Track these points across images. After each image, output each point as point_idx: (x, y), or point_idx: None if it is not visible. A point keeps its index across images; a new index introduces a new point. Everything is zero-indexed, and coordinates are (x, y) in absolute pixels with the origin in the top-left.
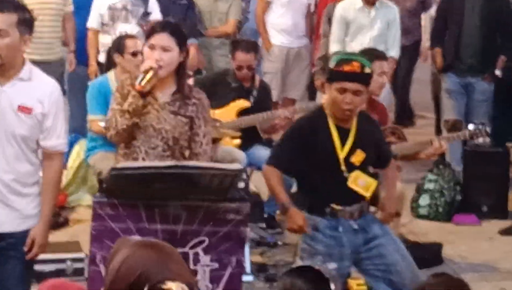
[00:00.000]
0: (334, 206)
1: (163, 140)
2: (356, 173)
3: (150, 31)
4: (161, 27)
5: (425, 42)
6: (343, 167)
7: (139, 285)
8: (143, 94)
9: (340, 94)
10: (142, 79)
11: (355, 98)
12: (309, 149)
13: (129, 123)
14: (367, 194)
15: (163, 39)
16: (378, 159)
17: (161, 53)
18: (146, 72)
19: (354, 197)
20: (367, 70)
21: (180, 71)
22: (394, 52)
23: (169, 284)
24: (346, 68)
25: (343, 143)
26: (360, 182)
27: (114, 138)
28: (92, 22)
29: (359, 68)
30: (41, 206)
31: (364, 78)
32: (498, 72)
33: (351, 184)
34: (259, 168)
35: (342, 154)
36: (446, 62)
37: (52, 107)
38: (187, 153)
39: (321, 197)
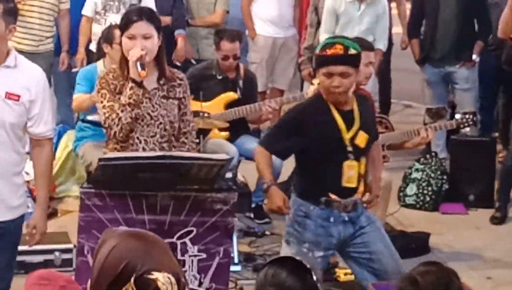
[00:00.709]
0: (331, 195)
1: (161, 126)
2: (356, 164)
3: (127, 21)
4: (137, 15)
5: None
6: (349, 149)
7: (125, 275)
8: (140, 84)
9: (328, 78)
10: (142, 67)
11: (343, 80)
12: (310, 134)
13: (132, 115)
14: (343, 183)
15: (142, 27)
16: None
17: (142, 42)
18: (140, 59)
19: (351, 187)
20: (352, 51)
21: (159, 56)
22: (381, 44)
23: (156, 274)
24: (330, 51)
25: (348, 125)
26: (350, 172)
27: (119, 134)
28: (87, 9)
29: (343, 50)
30: (37, 193)
31: (349, 60)
32: (475, 57)
33: (346, 166)
34: (247, 158)
35: (347, 137)
36: (423, 53)
37: (39, 94)
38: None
39: (320, 185)
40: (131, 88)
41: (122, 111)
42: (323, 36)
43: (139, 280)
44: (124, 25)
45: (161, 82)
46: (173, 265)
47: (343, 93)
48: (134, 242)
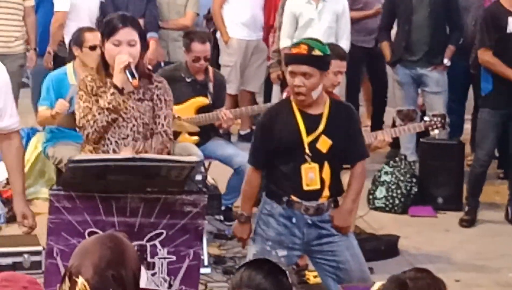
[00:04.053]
0: (292, 197)
1: (134, 128)
2: (315, 166)
3: (113, 27)
4: (123, 22)
5: None
6: (307, 152)
7: (66, 272)
8: (121, 90)
9: (292, 78)
10: (132, 75)
11: (305, 81)
12: (274, 136)
13: (109, 119)
14: (304, 187)
15: (128, 34)
16: (348, 154)
17: (128, 48)
18: (125, 67)
19: (315, 191)
20: (316, 52)
21: (139, 61)
22: (343, 44)
23: (80, 278)
24: (294, 50)
25: (310, 129)
26: (310, 175)
27: (92, 136)
28: None
29: (307, 50)
30: (13, 184)
31: (312, 60)
32: (446, 61)
33: (304, 168)
34: (217, 160)
35: (307, 140)
36: (396, 56)
37: (2, 89)
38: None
39: (282, 185)
40: (112, 94)
41: (99, 113)
42: (283, 41)
43: (70, 279)
44: (110, 31)
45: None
46: (103, 274)
47: (305, 94)
48: (88, 243)
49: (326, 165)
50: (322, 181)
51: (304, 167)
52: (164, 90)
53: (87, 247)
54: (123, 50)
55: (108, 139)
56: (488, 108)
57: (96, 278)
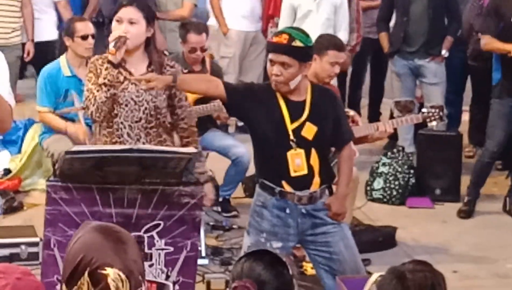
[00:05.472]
0: (284, 185)
1: (146, 111)
2: (301, 152)
3: (118, 6)
4: (128, 1)
5: None
6: (292, 139)
7: (81, 268)
8: (115, 65)
9: (271, 66)
10: (115, 46)
11: (283, 70)
12: (255, 117)
13: (107, 95)
14: (291, 173)
15: (129, 12)
16: (334, 137)
17: (128, 26)
18: (116, 39)
19: (304, 178)
20: (297, 43)
21: (150, 46)
22: (341, 35)
23: (108, 270)
24: (275, 39)
25: (294, 116)
26: (297, 161)
27: (95, 114)
28: None
29: (287, 40)
30: None
31: (292, 51)
32: (444, 52)
33: (290, 155)
34: (215, 151)
35: (291, 127)
36: (393, 47)
37: None
38: (168, 119)
39: (271, 174)
40: (106, 68)
41: (97, 90)
42: None
43: (93, 274)
44: (116, 10)
45: (149, 69)
46: (129, 262)
47: (282, 83)
48: (95, 236)
49: (313, 151)
50: (310, 167)
51: (290, 154)
52: (178, 73)
53: (96, 239)
54: (122, 27)
55: (122, 123)
56: (497, 98)
57: (128, 267)
